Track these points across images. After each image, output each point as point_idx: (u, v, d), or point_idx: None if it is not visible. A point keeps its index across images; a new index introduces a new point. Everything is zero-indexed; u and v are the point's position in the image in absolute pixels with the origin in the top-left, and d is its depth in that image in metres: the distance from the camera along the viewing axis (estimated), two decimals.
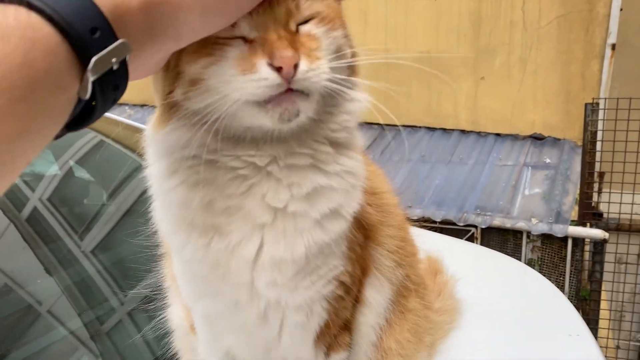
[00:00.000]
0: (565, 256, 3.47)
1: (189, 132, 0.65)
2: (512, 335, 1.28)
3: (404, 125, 4.61)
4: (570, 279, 3.49)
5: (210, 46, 0.62)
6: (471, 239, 3.62)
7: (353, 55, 0.70)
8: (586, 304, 3.44)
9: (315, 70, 0.62)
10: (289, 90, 0.61)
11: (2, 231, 1.71)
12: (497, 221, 3.57)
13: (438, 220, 3.65)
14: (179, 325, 1.03)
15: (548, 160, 4.07)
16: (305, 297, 0.74)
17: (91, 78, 0.47)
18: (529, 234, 3.54)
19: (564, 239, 3.47)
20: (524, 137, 4.38)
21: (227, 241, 0.69)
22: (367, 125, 0.80)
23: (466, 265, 1.47)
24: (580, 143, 3.99)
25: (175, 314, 1.04)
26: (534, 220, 3.51)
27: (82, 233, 1.81)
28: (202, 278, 0.74)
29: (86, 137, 2.16)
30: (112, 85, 0.51)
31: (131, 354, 1.28)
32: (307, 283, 0.73)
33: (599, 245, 3.40)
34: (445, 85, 4.65)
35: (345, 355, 0.85)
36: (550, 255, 3.53)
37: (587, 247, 3.47)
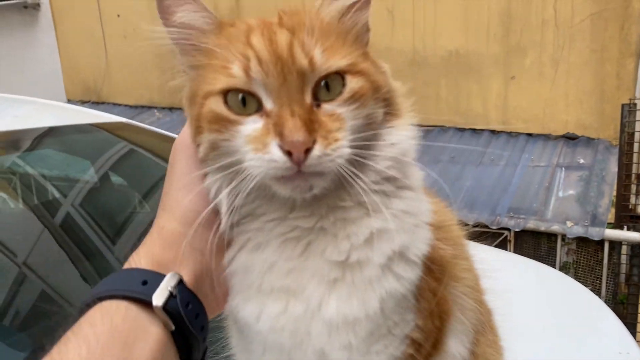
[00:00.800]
0: (602, 259, 3.40)
1: (220, 182, 0.64)
2: (556, 352, 1.24)
3: (432, 126, 4.56)
4: (607, 283, 3.42)
5: (227, 122, 0.60)
6: (504, 242, 3.56)
7: (385, 93, 0.64)
8: (623, 308, 3.37)
9: (331, 155, 0.58)
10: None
11: (37, 236, 1.74)
12: (531, 224, 3.50)
13: (470, 223, 3.59)
14: None
15: (582, 161, 3.97)
16: None
17: (159, 304, 0.58)
18: (563, 236, 3.47)
19: (600, 242, 3.39)
20: (557, 137, 4.28)
21: (306, 304, 0.63)
22: None
23: (502, 275, 1.43)
24: (615, 143, 3.90)
25: None
26: (569, 224, 3.43)
27: (114, 237, 1.84)
28: (279, 351, 0.66)
29: (117, 147, 2.18)
30: (193, 314, 0.61)
31: None
32: (380, 347, 0.65)
33: (636, 248, 3.33)
34: (475, 84, 4.58)
35: None
36: (586, 258, 3.46)
37: (624, 250, 3.39)
